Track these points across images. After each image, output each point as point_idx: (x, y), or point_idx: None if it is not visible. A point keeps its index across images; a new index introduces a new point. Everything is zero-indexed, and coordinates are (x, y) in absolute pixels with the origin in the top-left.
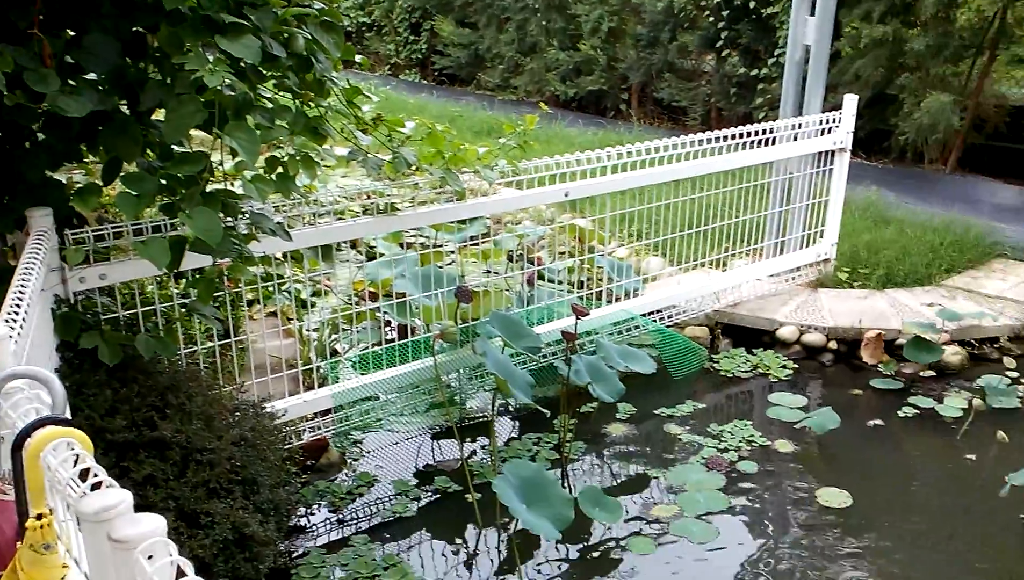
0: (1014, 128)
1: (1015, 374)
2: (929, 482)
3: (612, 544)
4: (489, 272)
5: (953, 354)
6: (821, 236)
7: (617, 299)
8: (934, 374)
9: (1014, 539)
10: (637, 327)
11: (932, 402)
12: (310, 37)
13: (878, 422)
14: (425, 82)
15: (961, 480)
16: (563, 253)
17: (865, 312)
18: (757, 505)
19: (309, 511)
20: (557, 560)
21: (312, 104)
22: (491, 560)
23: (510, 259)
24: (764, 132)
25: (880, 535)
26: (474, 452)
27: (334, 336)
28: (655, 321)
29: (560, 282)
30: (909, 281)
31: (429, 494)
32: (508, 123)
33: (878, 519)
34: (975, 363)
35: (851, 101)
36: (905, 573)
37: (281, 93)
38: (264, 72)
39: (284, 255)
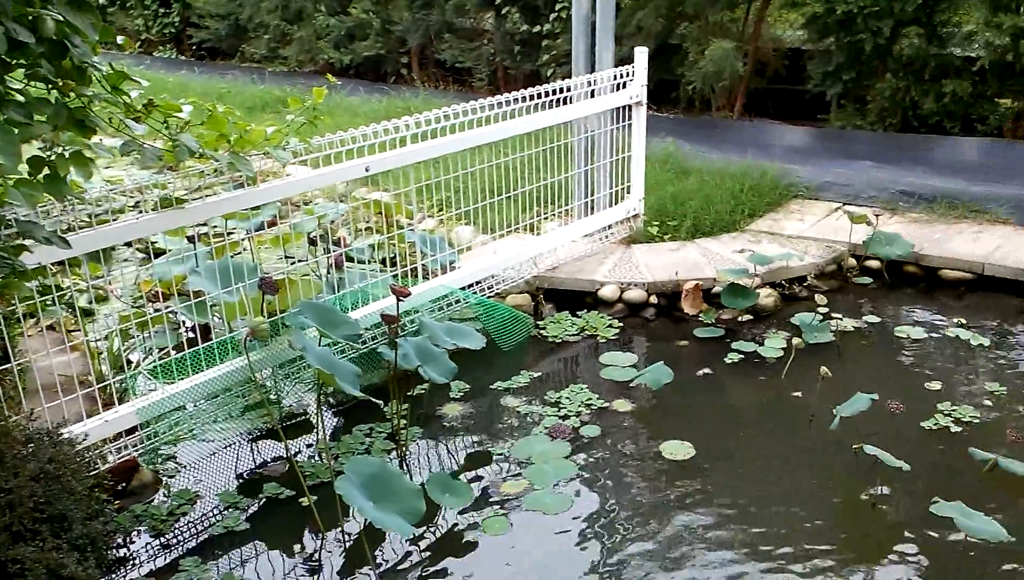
0: (792, 70)
1: (825, 310)
2: (763, 423)
3: (466, 528)
4: (288, 258)
5: (767, 297)
6: (628, 192)
7: (433, 274)
8: (751, 318)
9: (849, 468)
10: (458, 301)
11: (754, 345)
12: (61, 19)
13: (707, 371)
14: (183, 58)
15: (792, 417)
16: (368, 230)
17: (680, 264)
18: (605, 467)
19: (129, 539)
20: (410, 554)
21: (73, 94)
22: (340, 564)
23: (312, 242)
24: (561, 91)
25: (724, 479)
26: (298, 452)
27: (126, 344)
28: (475, 293)
29: (368, 262)
30: (716, 229)
31: (260, 504)
32: (294, 97)
33: (721, 464)
34: (787, 303)
35: (642, 54)
36: (751, 513)
37: (35, 84)
38: (10, 61)
39: (60, 262)
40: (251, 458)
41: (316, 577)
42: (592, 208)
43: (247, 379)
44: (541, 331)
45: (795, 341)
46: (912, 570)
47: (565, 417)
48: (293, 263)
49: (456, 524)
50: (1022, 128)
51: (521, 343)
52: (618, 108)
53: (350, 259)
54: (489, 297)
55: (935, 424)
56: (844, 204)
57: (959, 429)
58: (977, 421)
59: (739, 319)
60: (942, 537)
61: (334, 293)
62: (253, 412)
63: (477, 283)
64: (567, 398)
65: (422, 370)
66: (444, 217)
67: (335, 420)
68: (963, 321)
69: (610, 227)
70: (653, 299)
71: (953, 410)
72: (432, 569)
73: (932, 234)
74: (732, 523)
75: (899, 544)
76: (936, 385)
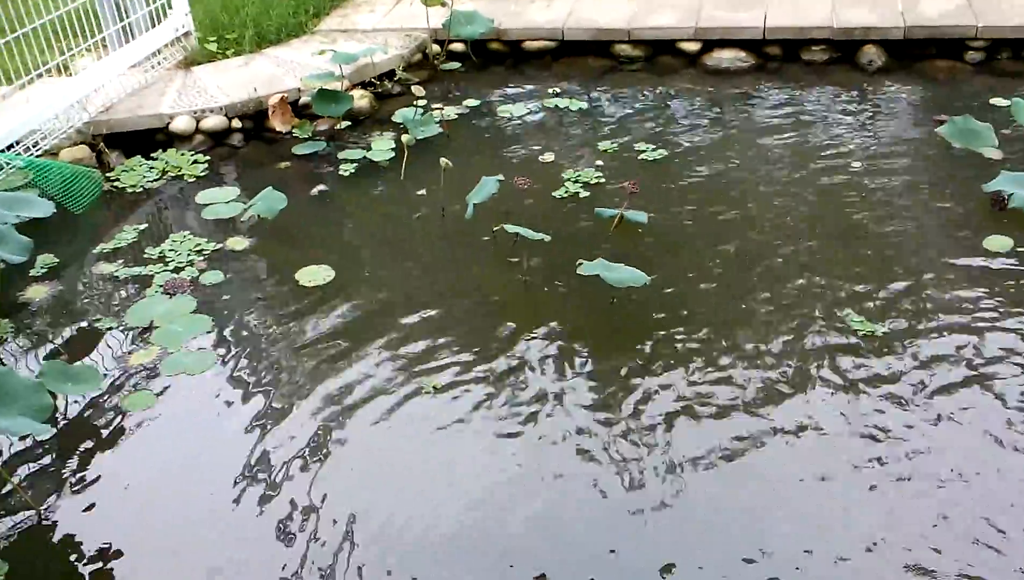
0: None
1: (424, 102)
2: (397, 228)
3: (109, 412)
4: None
5: (360, 99)
6: (170, 7)
7: None
8: (350, 124)
9: (493, 251)
10: (0, 168)
11: (362, 152)
12: None
13: (322, 188)
14: None
15: (425, 216)
16: None
17: (255, 79)
18: (243, 311)
19: None
20: (49, 457)
21: None
22: None
23: None
24: None
25: (370, 292)
26: None
27: None
28: (19, 155)
29: None
30: (283, 35)
31: None
32: None
33: (363, 278)
34: (383, 102)
35: None
36: (407, 319)
37: None
38: None
39: None
40: None
41: None
42: (131, 33)
43: None
44: (115, 184)
45: (404, 138)
46: (578, 331)
47: (178, 270)
48: None
49: (95, 411)
50: None
51: (95, 201)
52: None
53: None
54: (38, 156)
55: (565, 192)
56: None
57: (587, 193)
58: (602, 181)
59: (338, 127)
60: (593, 294)
61: None
62: None
63: (18, 143)
64: (172, 250)
65: None
66: None
67: None
68: (557, 90)
69: (159, 52)
70: (236, 123)
71: (578, 176)
72: (87, 465)
73: (507, 7)
74: (388, 334)
75: (556, 313)
76: (551, 156)
